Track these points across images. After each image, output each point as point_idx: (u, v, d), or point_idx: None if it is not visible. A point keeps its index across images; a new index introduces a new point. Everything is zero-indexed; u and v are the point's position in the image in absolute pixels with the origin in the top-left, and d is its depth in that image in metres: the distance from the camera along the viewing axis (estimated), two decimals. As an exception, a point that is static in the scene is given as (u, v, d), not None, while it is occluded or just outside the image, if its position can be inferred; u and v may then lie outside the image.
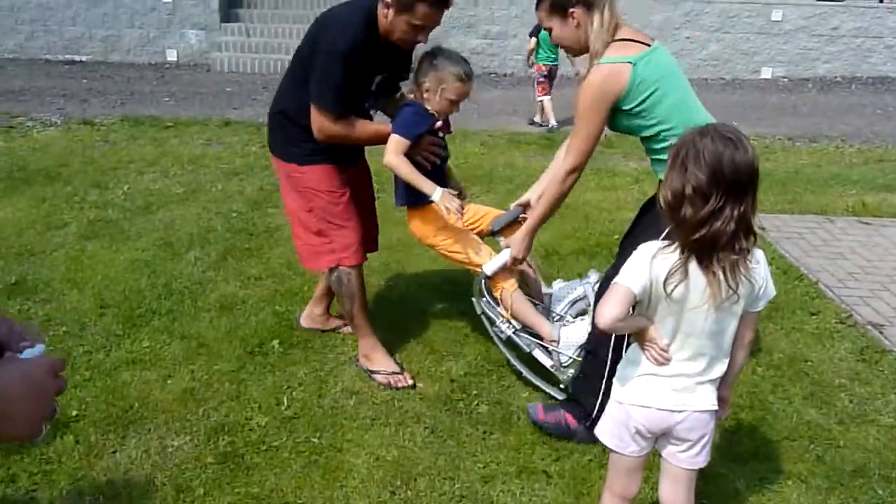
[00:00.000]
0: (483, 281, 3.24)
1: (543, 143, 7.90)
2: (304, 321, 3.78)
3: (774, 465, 2.89)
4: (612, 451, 2.20)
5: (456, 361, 3.53)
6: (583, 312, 3.24)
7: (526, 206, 3.23)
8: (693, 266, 1.92)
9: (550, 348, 3.16)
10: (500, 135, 8.19)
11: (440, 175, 3.25)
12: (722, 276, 1.91)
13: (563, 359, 3.11)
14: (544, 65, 8.62)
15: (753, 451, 2.96)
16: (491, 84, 11.56)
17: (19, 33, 12.08)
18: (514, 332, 3.22)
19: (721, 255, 1.90)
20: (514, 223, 3.25)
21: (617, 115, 2.73)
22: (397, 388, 3.31)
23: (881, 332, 3.93)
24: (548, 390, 3.19)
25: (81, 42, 12.13)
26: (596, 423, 2.92)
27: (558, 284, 3.38)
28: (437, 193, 3.04)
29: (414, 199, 3.20)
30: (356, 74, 3.03)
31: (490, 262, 3.16)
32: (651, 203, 2.85)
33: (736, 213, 1.86)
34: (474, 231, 3.35)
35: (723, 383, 2.12)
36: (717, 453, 2.64)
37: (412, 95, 3.20)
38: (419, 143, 3.12)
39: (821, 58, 12.39)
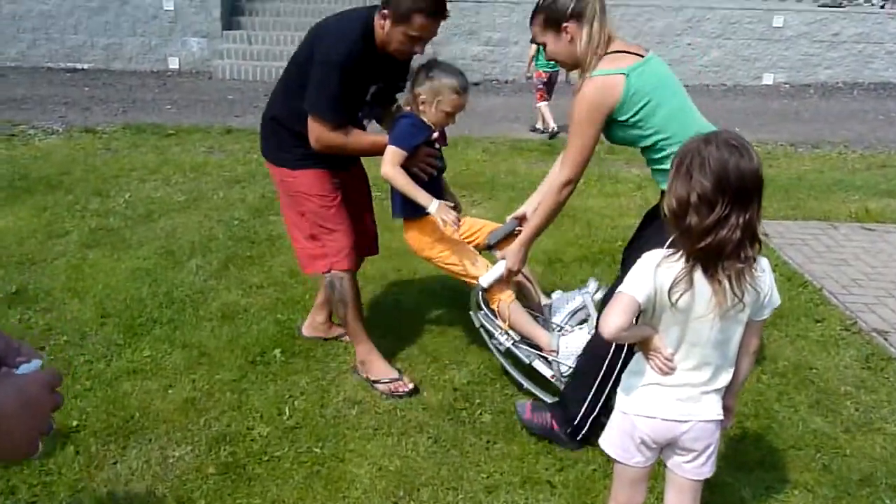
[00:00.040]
0: (480, 293, 3.23)
1: (545, 149, 7.89)
2: (306, 330, 3.76)
3: (780, 475, 2.87)
4: (616, 461, 2.18)
5: (459, 370, 3.51)
6: (583, 322, 3.22)
7: (522, 219, 3.22)
8: (698, 275, 1.91)
9: (550, 358, 3.15)
10: (502, 141, 8.18)
11: (437, 187, 3.26)
12: (727, 285, 1.89)
13: (563, 369, 3.09)
14: (544, 71, 8.61)
15: (759, 460, 2.94)
16: (493, 91, 11.56)
17: (21, 41, 12.10)
18: (513, 344, 3.20)
19: (726, 263, 1.88)
20: (511, 236, 3.24)
21: (613, 127, 2.73)
22: (400, 396, 3.29)
23: (886, 339, 3.91)
24: (541, 395, 3.18)
25: (83, 50, 12.15)
26: (578, 431, 2.94)
27: (557, 295, 3.36)
28: (433, 205, 3.04)
29: (411, 211, 3.20)
30: (352, 84, 3.05)
31: (486, 274, 3.16)
32: (654, 212, 2.83)
33: (741, 220, 1.85)
34: (471, 244, 3.35)
35: (728, 392, 2.11)
36: (723, 462, 2.62)
37: (408, 107, 3.20)
38: (416, 155, 3.12)
39: (822, 63, 12.37)
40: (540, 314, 3.30)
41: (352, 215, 3.37)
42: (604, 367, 2.83)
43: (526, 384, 3.24)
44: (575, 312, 3.21)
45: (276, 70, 11.34)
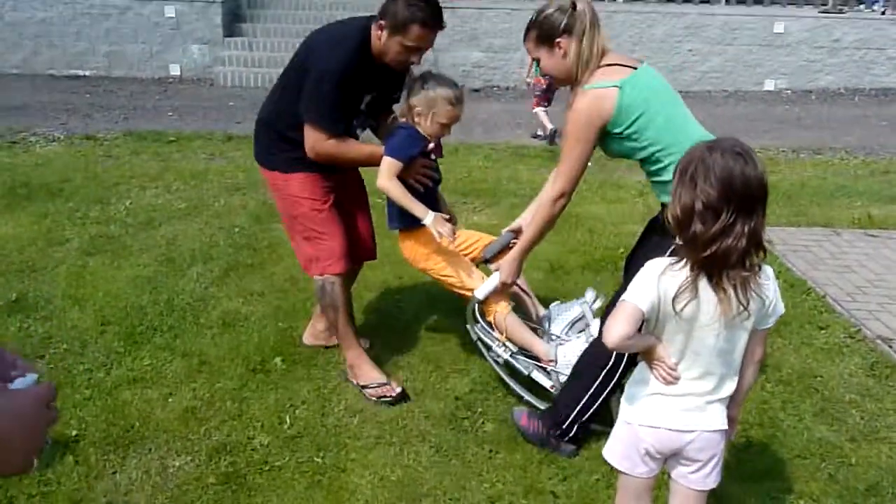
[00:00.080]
0: (476, 306, 3.22)
1: (547, 155, 7.87)
2: (307, 338, 3.74)
3: (786, 485, 2.84)
4: (621, 472, 2.15)
5: (460, 378, 3.49)
6: (581, 331, 3.20)
7: (517, 232, 3.21)
8: (703, 283, 1.89)
9: (549, 369, 3.13)
10: (503, 148, 8.17)
11: (433, 198, 3.26)
12: (733, 294, 1.88)
13: (562, 378, 3.07)
14: (543, 78, 8.60)
15: (765, 470, 2.91)
16: (494, 97, 11.56)
17: (23, 49, 12.11)
18: (510, 355, 3.19)
19: (732, 272, 1.87)
20: (507, 249, 3.23)
21: (608, 140, 2.74)
22: (388, 401, 3.27)
23: (891, 347, 3.88)
24: (541, 406, 3.16)
25: (85, 57, 12.16)
26: (565, 434, 2.92)
27: (554, 306, 3.35)
28: (429, 217, 3.04)
29: (407, 223, 3.20)
30: (347, 94, 3.06)
31: (481, 286, 3.15)
32: (656, 220, 2.82)
33: (747, 228, 1.83)
34: (467, 257, 3.34)
35: (732, 402, 2.09)
36: (728, 472, 2.58)
37: (404, 118, 3.21)
38: (412, 166, 3.13)
39: (823, 70, 12.37)
40: (538, 326, 3.28)
41: (346, 219, 3.38)
42: (601, 376, 2.84)
43: (526, 395, 3.22)
44: (574, 323, 3.19)
45: (278, 76, 11.34)
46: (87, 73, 12.11)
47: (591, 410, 2.88)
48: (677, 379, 2.01)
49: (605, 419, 2.92)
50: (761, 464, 2.95)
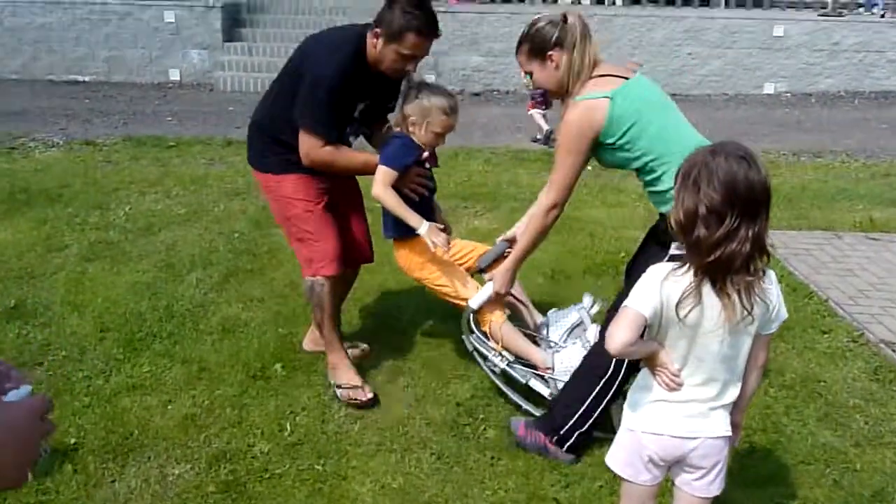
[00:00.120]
0: (471, 316, 3.20)
1: (547, 159, 7.84)
2: (308, 344, 3.73)
3: (790, 491, 2.82)
4: (624, 479, 2.13)
5: (462, 384, 3.47)
6: (577, 337, 3.18)
7: (512, 241, 3.21)
8: (707, 289, 1.87)
9: (546, 376, 3.11)
10: (503, 152, 8.15)
11: (428, 207, 3.26)
12: (737, 299, 1.86)
13: (560, 385, 3.05)
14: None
15: (768, 476, 2.89)
16: (494, 101, 11.55)
17: (23, 54, 12.10)
18: (507, 365, 3.17)
19: (735, 277, 1.85)
20: (501, 258, 3.22)
21: (602, 151, 2.74)
22: (357, 405, 3.26)
23: (894, 351, 3.86)
24: (533, 411, 3.14)
25: (84, 62, 12.15)
26: (563, 442, 2.90)
27: (552, 312, 3.33)
28: (423, 227, 3.04)
29: (401, 232, 3.19)
30: (341, 101, 3.07)
31: (475, 296, 3.14)
32: (656, 229, 2.81)
33: (751, 233, 1.82)
34: (462, 266, 3.34)
35: (735, 408, 2.07)
36: (731, 478, 2.55)
37: (398, 128, 3.20)
38: (406, 175, 3.13)
39: (823, 73, 12.35)
40: (536, 333, 3.26)
41: (341, 222, 3.38)
42: (600, 384, 2.83)
43: (524, 405, 3.20)
44: (573, 329, 3.18)
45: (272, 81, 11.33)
46: (87, 78, 12.10)
47: (591, 420, 2.87)
48: (680, 385, 1.99)
49: (606, 426, 2.90)
50: (765, 470, 2.93)
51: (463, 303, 3.17)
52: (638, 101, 2.66)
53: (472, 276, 3.32)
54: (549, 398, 3.10)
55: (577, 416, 2.87)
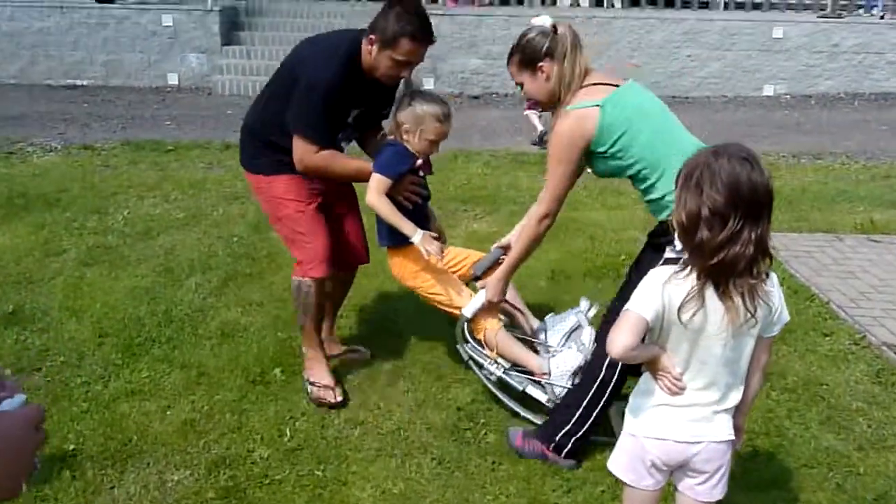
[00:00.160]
0: (465, 325, 3.19)
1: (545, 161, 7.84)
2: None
3: (793, 494, 2.80)
4: (626, 485, 2.12)
5: (462, 388, 3.45)
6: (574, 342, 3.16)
7: (507, 248, 3.20)
8: (710, 292, 1.86)
9: (543, 382, 3.09)
10: (503, 155, 8.14)
11: (422, 215, 3.25)
12: (740, 302, 1.85)
13: (558, 391, 3.03)
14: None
15: (771, 480, 2.88)
16: (493, 104, 11.53)
17: (21, 58, 12.08)
18: (503, 372, 3.15)
19: (739, 280, 1.83)
20: (496, 265, 3.21)
21: (594, 160, 2.74)
22: (323, 403, 3.26)
23: (897, 354, 3.85)
24: (538, 422, 3.11)
25: (82, 67, 12.13)
26: (561, 448, 2.88)
27: (549, 317, 3.31)
28: (417, 236, 3.03)
29: (395, 240, 3.18)
30: (335, 107, 3.06)
31: (468, 304, 3.12)
32: (654, 236, 2.79)
33: (754, 235, 1.80)
34: (456, 274, 3.32)
35: (738, 411, 2.06)
36: (734, 482, 2.54)
37: (392, 135, 3.19)
38: (400, 183, 3.12)
39: (823, 74, 12.35)
40: (534, 339, 3.24)
41: (335, 224, 3.38)
42: (593, 389, 2.81)
43: (522, 412, 3.18)
44: (571, 333, 3.16)
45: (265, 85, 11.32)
46: (85, 82, 12.09)
47: (586, 425, 2.85)
48: (683, 389, 1.98)
49: (607, 430, 2.88)
50: (768, 473, 2.91)
51: (457, 311, 3.16)
52: (628, 109, 2.66)
53: (467, 284, 3.30)
54: (547, 404, 3.08)
55: (572, 421, 2.86)
